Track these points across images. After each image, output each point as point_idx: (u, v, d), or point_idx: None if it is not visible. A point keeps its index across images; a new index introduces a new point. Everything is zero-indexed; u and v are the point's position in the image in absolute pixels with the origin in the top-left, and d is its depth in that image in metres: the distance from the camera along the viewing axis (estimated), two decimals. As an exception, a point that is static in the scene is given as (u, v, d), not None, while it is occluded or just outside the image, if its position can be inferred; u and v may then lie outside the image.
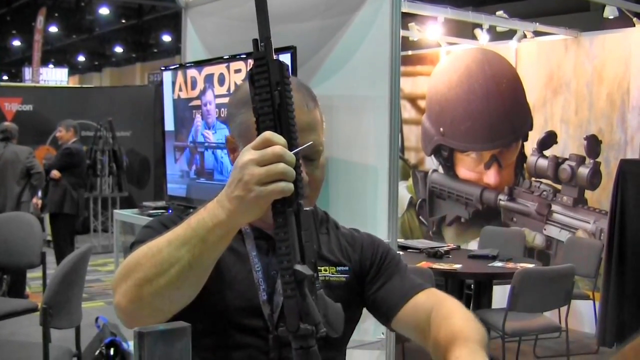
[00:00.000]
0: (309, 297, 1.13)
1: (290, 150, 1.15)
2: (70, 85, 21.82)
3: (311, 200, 1.49)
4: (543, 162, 6.86)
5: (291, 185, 1.14)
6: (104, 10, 20.27)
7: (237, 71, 4.17)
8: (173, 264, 1.22)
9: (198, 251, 1.21)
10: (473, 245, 6.91)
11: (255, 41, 1.18)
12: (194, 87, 4.63)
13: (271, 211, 1.16)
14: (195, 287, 1.27)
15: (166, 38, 22.94)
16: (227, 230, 1.21)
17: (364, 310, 1.65)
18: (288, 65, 1.22)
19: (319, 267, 1.52)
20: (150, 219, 5.95)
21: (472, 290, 5.47)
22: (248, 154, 1.16)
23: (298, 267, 1.13)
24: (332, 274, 1.55)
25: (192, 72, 4.64)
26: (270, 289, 1.47)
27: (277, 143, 1.14)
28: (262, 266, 1.49)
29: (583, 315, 6.33)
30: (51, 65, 25.59)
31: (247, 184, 1.14)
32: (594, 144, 6.49)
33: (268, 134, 1.15)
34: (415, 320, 1.52)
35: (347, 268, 1.57)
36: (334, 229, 1.65)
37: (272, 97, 1.16)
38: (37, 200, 8.07)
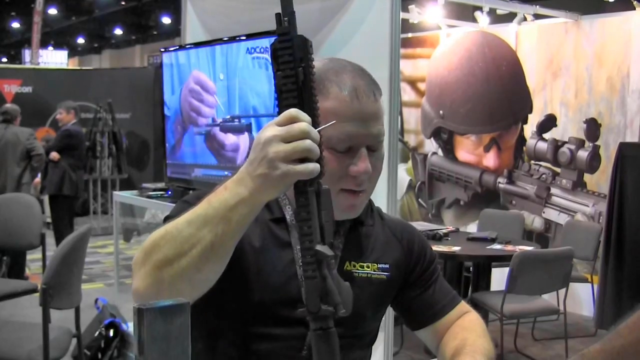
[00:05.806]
0: (329, 277, 1.11)
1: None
2: (70, 67, 21.78)
3: (368, 193, 1.46)
4: (542, 145, 6.86)
5: (318, 167, 1.10)
6: (104, -8, 20.24)
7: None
8: (194, 245, 1.17)
9: (221, 231, 1.17)
10: (472, 228, 6.91)
11: (278, 15, 1.14)
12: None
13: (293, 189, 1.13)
14: (217, 270, 1.23)
15: (166, 20, 22.90)
16: (250, 208, 1.16)
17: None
18: (311, 42, 1.17)
19: (361, 264, 1.52)
20: (150, 200, 5.88)
21: (471, 273, 5.49)
22: (272, 129, 1.11)
23: (319, 247, 1.10)
24: (374, 271, 1.53)
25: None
26: None
27: (303, 120, 1.10)
28: None
29: (581, 298, 6.36)
30: (51, 47, 25.54)
31: (272, 161, 1.10)
32: (593, 128, 6.49)
33: (293, 111, 1.11)
34: (441, 337, 1.60)
35: (387, 266, 1.55)
36: (379, 220, 1.62)
37: (296, 73, 1.12)
38: (37, 181, 8.07)
